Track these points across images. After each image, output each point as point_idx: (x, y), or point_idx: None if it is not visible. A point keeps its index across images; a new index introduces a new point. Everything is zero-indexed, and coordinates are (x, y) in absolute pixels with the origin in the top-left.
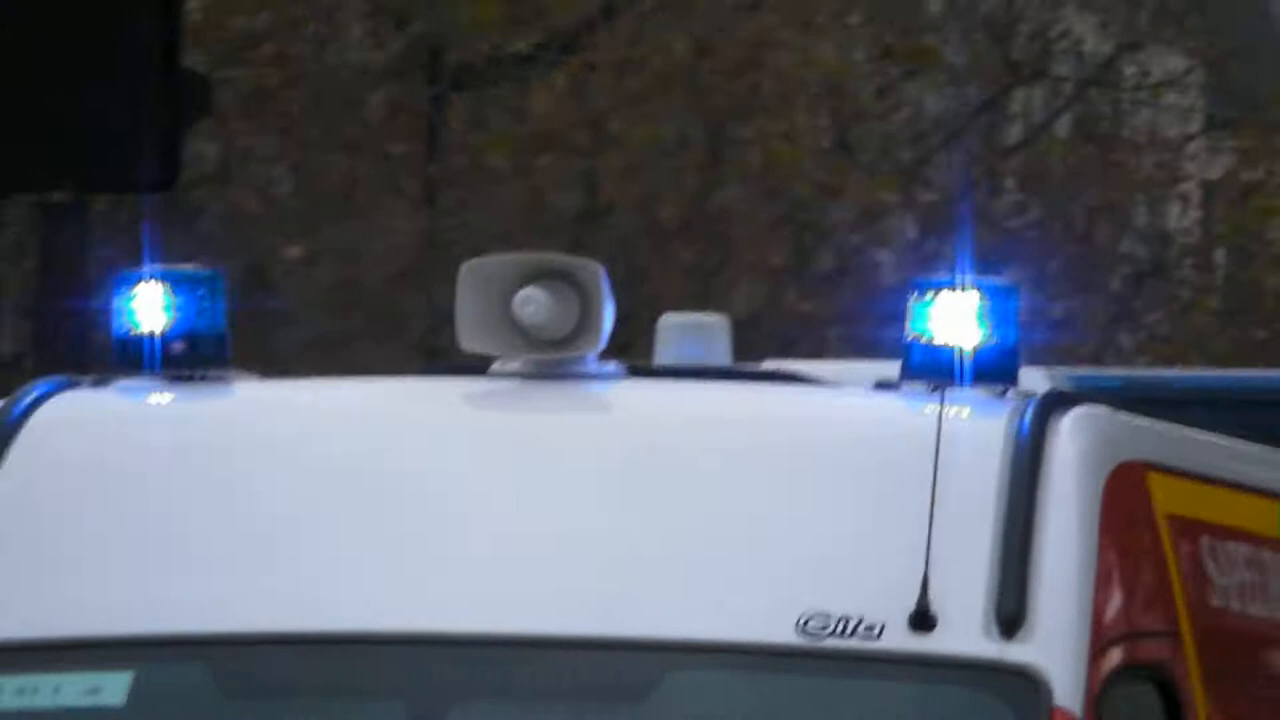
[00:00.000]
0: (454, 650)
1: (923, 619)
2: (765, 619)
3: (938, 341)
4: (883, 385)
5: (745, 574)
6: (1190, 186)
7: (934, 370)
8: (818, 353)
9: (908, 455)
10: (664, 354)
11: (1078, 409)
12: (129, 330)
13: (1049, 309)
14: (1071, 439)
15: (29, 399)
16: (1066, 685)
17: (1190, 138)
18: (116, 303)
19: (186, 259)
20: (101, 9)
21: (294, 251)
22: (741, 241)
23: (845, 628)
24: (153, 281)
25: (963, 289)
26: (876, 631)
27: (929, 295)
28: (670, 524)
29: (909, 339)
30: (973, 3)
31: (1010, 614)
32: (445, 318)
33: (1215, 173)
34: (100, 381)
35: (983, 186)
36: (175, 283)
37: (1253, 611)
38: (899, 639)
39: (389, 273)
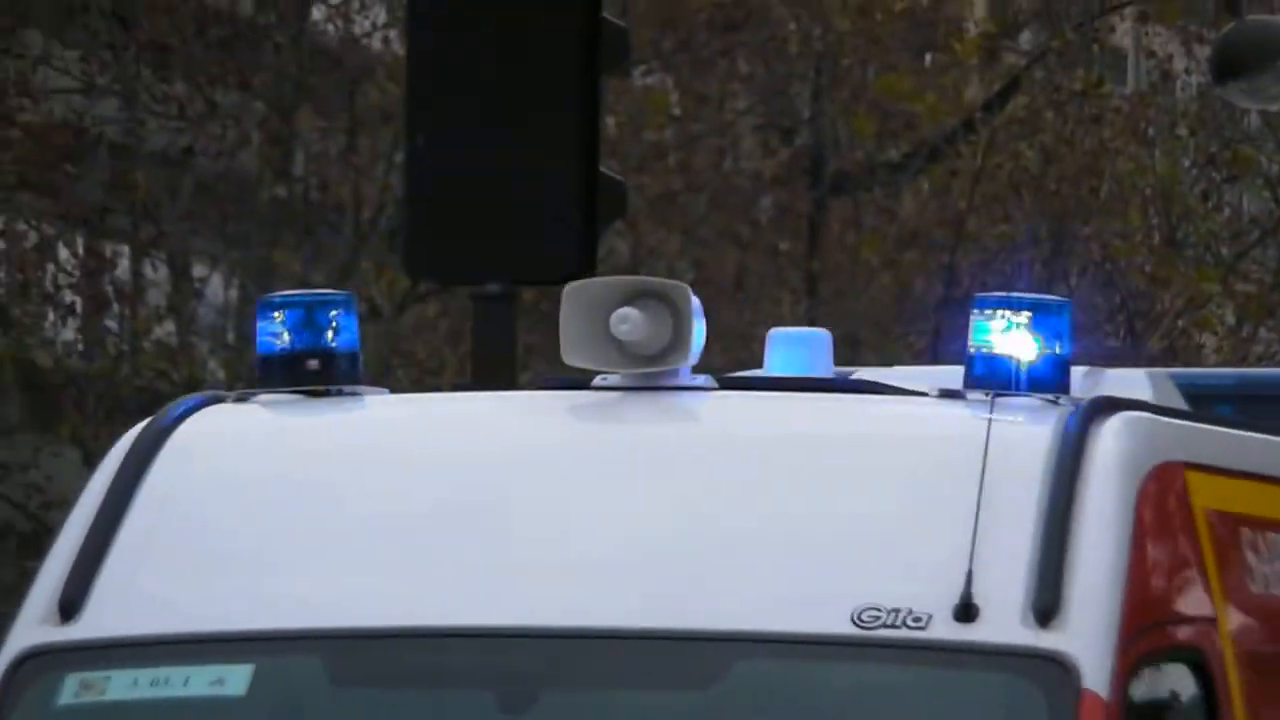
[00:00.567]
0: (541, 643)
1: (966, 611)
2: (823, 612)
3: (997, 353)
4: (947, 393)
5: (805, 571)
6: None
7: (991, 380)
8: None
9: (959, 458)
10: (770, 365)
11: (1120, 414)
12: (269, 349)
13: None
14: (1111, 442)
15: (178, 412)
16: (1095, 671)
17: None
18: (259, 324)
19: None
20: (533, 125)
21: None
22: (1081, 327)
23: (896, 619)
24: (289, 305)
25: (1019, 307)
26: (924, 622)
27: (990, 312)
28: (740, 526)
29: (971, 351)
30: None
31: (1045, 605)
32: None
33: None
34: (242, 397)
35: None
36: (310, 305)
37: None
38: (944, 629)
39: None
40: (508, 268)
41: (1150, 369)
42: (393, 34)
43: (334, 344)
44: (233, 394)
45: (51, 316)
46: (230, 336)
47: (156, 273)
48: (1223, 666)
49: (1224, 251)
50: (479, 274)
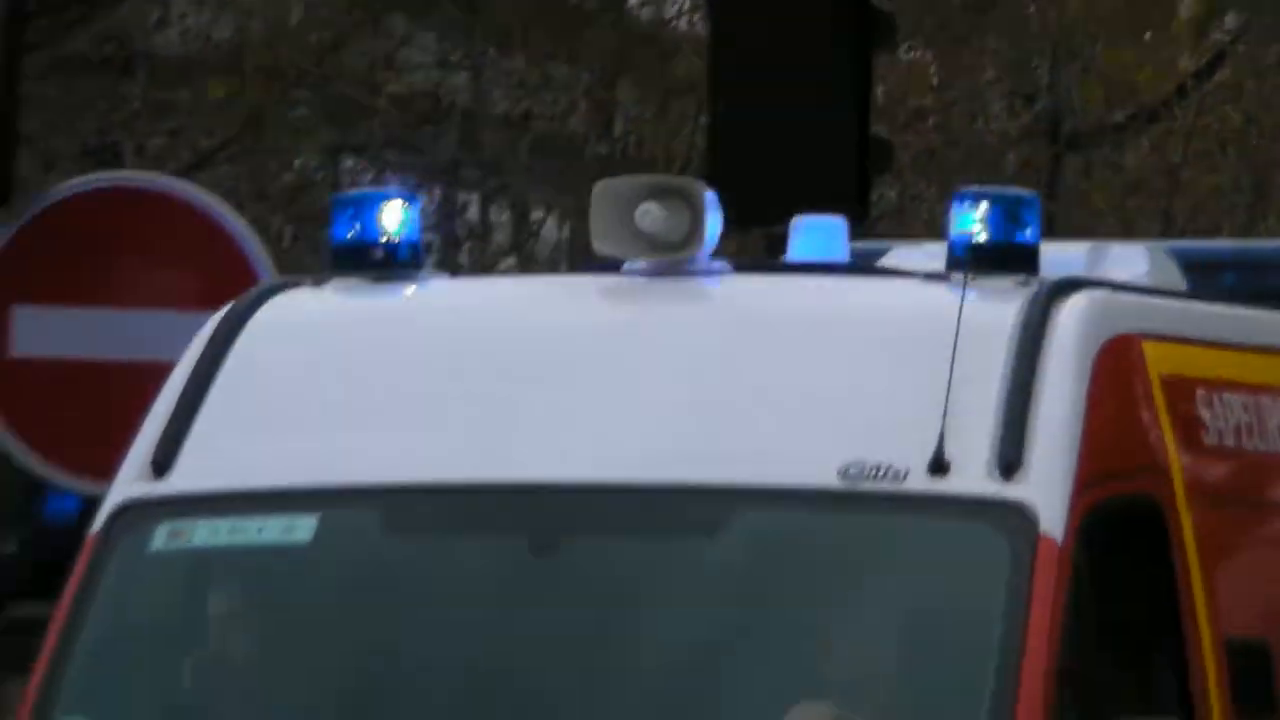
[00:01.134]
0: (566, 496)
1: (939, 465)
2: (813, 467)
3: (973, 240)
4: (931, 275)
5: (798, 432)
6: None
7: (969, 263)
8: None
9: (935, 332)
10: (792, 250)
11: (1080, 293)
12: (341, 239)
13: None
14: (1070, 318)
15: (259, 293)
16: (1052, 517)
17: None
18: (334, 218)
19: None
20: (814, 93)
21: None
22: None
23: (877, 473)
24: (359, 201)
25: (992, 198)
26: (902, 476)
27: (968, 204)
28: (740, 393)
29: (952, 236)
30: None
31: (1008, 460)
32: None
33: None
34: (319, 281)
35: None
36: (375, 200)
37: (1248, 446)
38: (920, 482)
39: None
40: (795, 211)
41: (1151, 242)
42: (697, 16)
43: (397, 235)
44: (308, 279)
45: None
46: (563, 268)
47: (501, 217)
48: (1176, 512)
49: None
50: (770, 216)
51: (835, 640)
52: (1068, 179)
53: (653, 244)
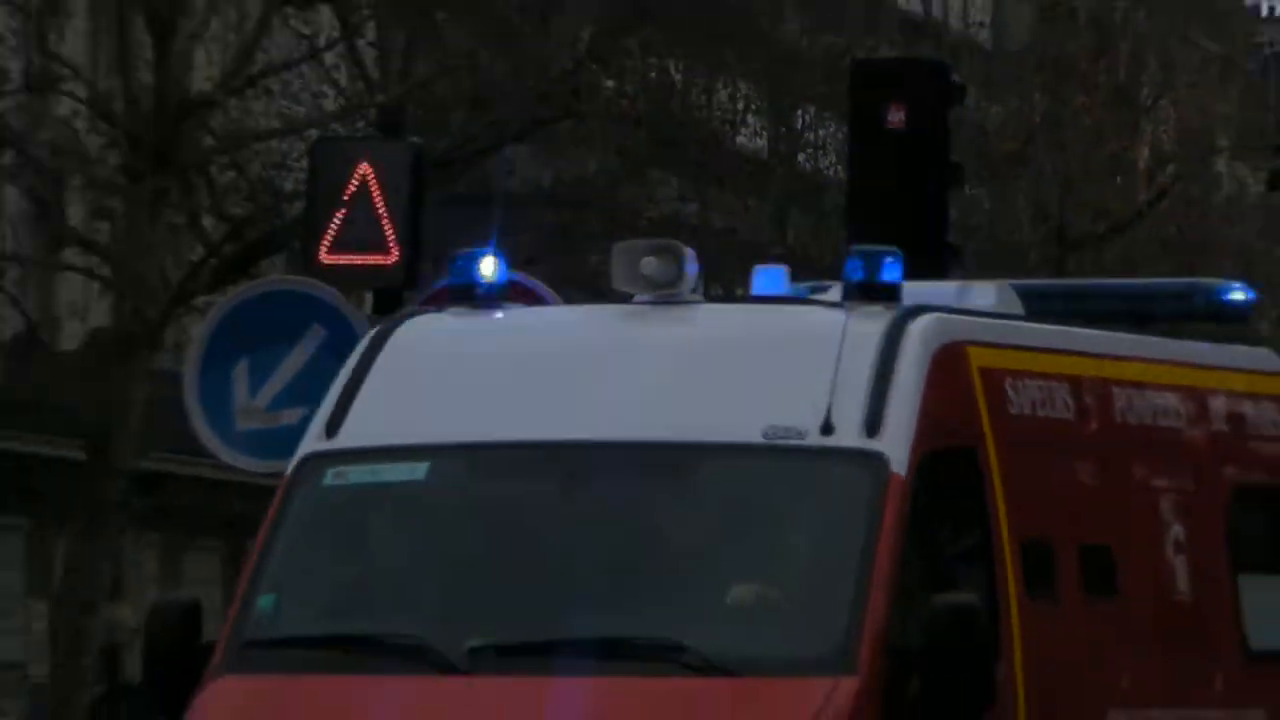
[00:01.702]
0: (588, 447)
1: (827, 428)
2: (747, 430)
3: (854, 280)
4: (829, 305)
5: (737, 407)
6: None
7: (853, 296)
8: None
9: (827, 342)
10: (753, 289)
11: (922, 316)
12: (455, 281)
13: None
14: (914, 331)
15: (401, 317)
16: (898, 460)
17: None
18: (450, 268)
19: None
20: (916, 214)
21: None
22: None
23: (787, 434)
24: (464, 258)
25: (865, 253)
26: (803, 435)
27: (855, 258)
28: (704, 382)
29: (844, 279)
30: None
31: (871, 425)
32: None
33: None
34: (439, 310)
35: None
36: (475, 255)
37: (1044, 414)
38: (815, 439)
39: None
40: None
41: (999, 282)
42: (840, 166)
43: (490, 279)
44: (434, 308)
45: None
46: None
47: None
48: (986, 455)
49: None
50: None
51: (761, 533)
52: (1069, 270)
53: (651, 284)
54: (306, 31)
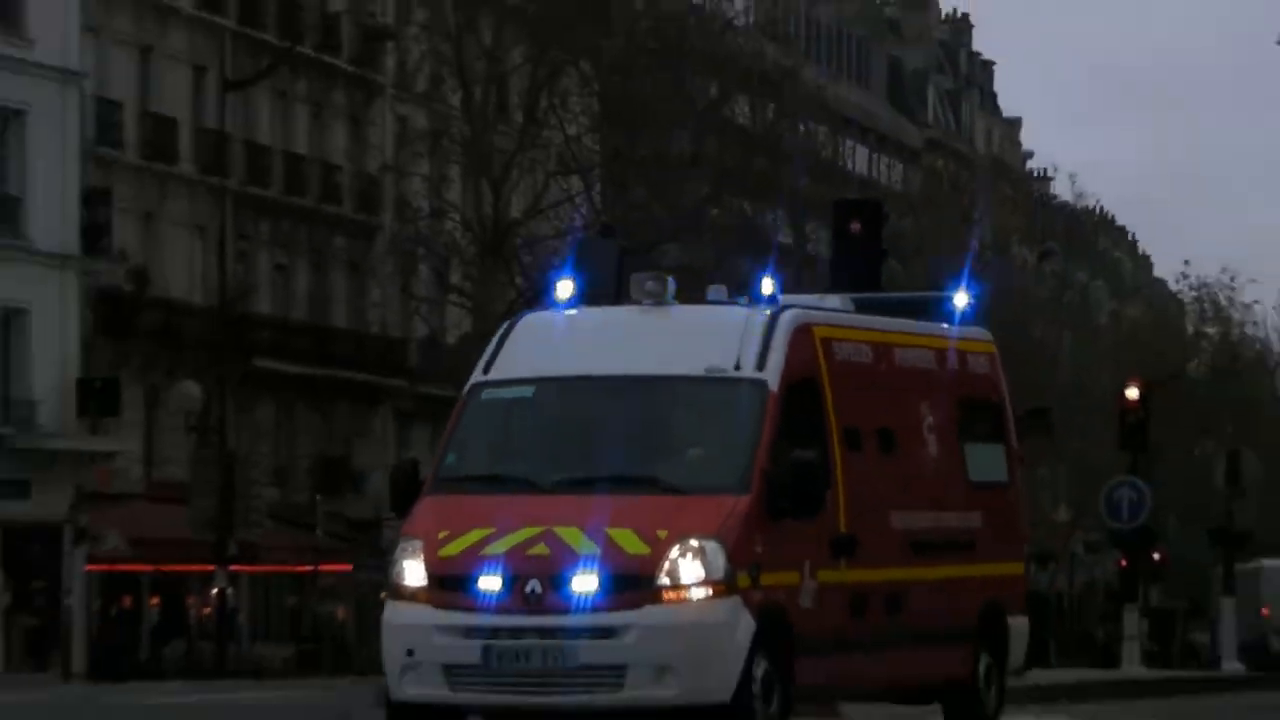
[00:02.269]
0: (616, 378)
1: (738, 367)
2: (698, 366)
3: (763, 294)
4: (745, 305)
5: (692, 358)
6: None
7: (755, 302)
8: None
9: (738, 325)
10: (707, 298)
11: (789, 309)
12: (554, 297)
13: None
14: (783, 319)
15: (525, 313)
16: (774, 384)
17: None
18: (548, 283)
19: None
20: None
21: None
22: None
23: (716, 370)
24: (553, 279)
25: (767, 277)
26: (726, 371)
27: (764, 278)
28: (674, 345)
29: (757, 291)
30: None
31: (759, 365)
32: None
33: None
34: (549, 308)
35: None
36: (557, 278)
37: (855, 360)
38: (731, 373)
39: None
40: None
41: (843, 295)
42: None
43: (568, 294)
44: (545, 308)
45: None
46: None
47: None
48: (823, 384)
49: None
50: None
51: (703, 421)
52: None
53: (649, 295)
54: (565, 186)
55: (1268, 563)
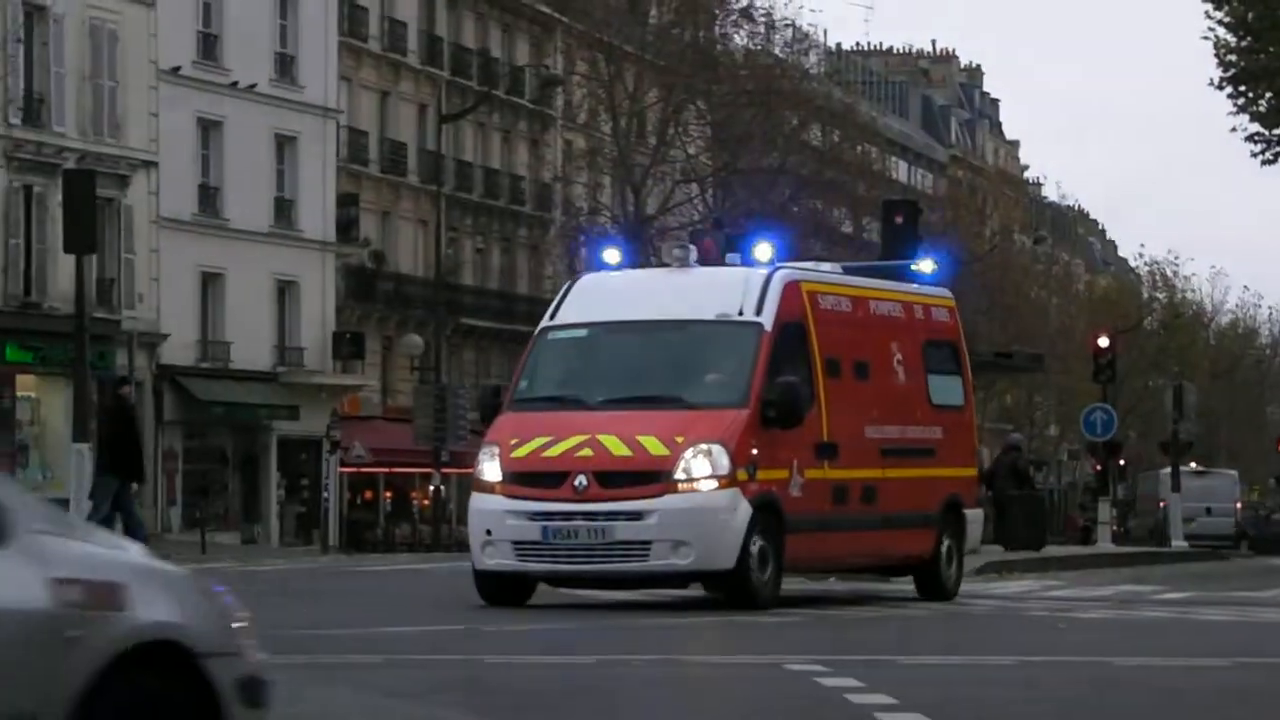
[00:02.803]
0: (652, 322)
1: (740, 313)
2: (710, 312)
3: (760, 260)
4: (750, 268)
5: (707, 305)
6: None
7: (756, 265)
8: None
9: (741, 282)
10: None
11: (782, 269)
12: (601, 262)
13: None
14: (777, 275)
15: (580, 274)
16: (768, 325)
17: None
18: (596, 258)
19: None
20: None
21: None
22: None
23: (725, 315)
24: (603, 249)
25: (765, 245)
26: (732, 315)
27: (761, 243)
28: (695, 295)
29: (754, 259)
30: None
31: (757, 311)
32: None
33: None
34: (609, 270)
35: None
36: (604, 250)
37: (836, 309)
38: (735, 317)
39: None
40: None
41: (834, 264)
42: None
43: (617, 261)
44: (604, 272)
45: None
46: None
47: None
48: (810, 326)
49: None
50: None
51: (715, 354)
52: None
53: (677, 260)
54: (687, 191)
55: (1163, 471)
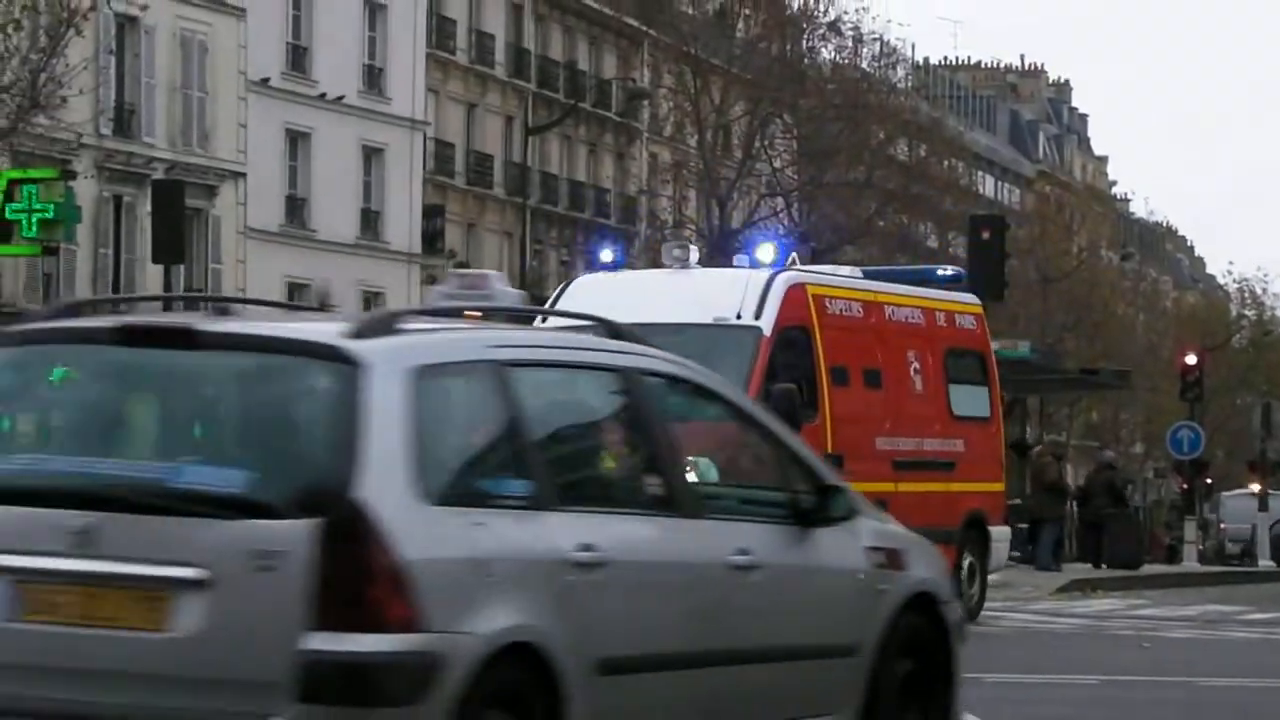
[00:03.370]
0: (644, 325)
1: (739, 316)
2: (707, 316)
3: (763, 261)
4: (749, 269)
5: (704, 308)
6: None
7: (754, 266)
8: None
9: (742, 284)
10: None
11: (785, 273)
12: (598, 263)
13: None
14: (781, 277)
15: (577, 277)
16: (766, 330)
17: None
18: (595, 258)
19: None
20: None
21: None
22: None
23: (722, 319)
24: (602, 250)
25: (768, 246)
26: (729, 320)
27: (764, 245)
28: (693, 298)
29: (754, 258)
30: None
31: (756, 315)
32: None
33: None
34: (609, 272)
35: None
36: (601, 249)
37: (846, 314)
38: (733, 321)
39: None
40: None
41: (853, 268)
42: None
43: (613, 261)
44: (604, 273)
45: None
46: None
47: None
48: (814, 331)
49: None
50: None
51: (707, 362)
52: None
53: (676, 260)
54: (772, 205)
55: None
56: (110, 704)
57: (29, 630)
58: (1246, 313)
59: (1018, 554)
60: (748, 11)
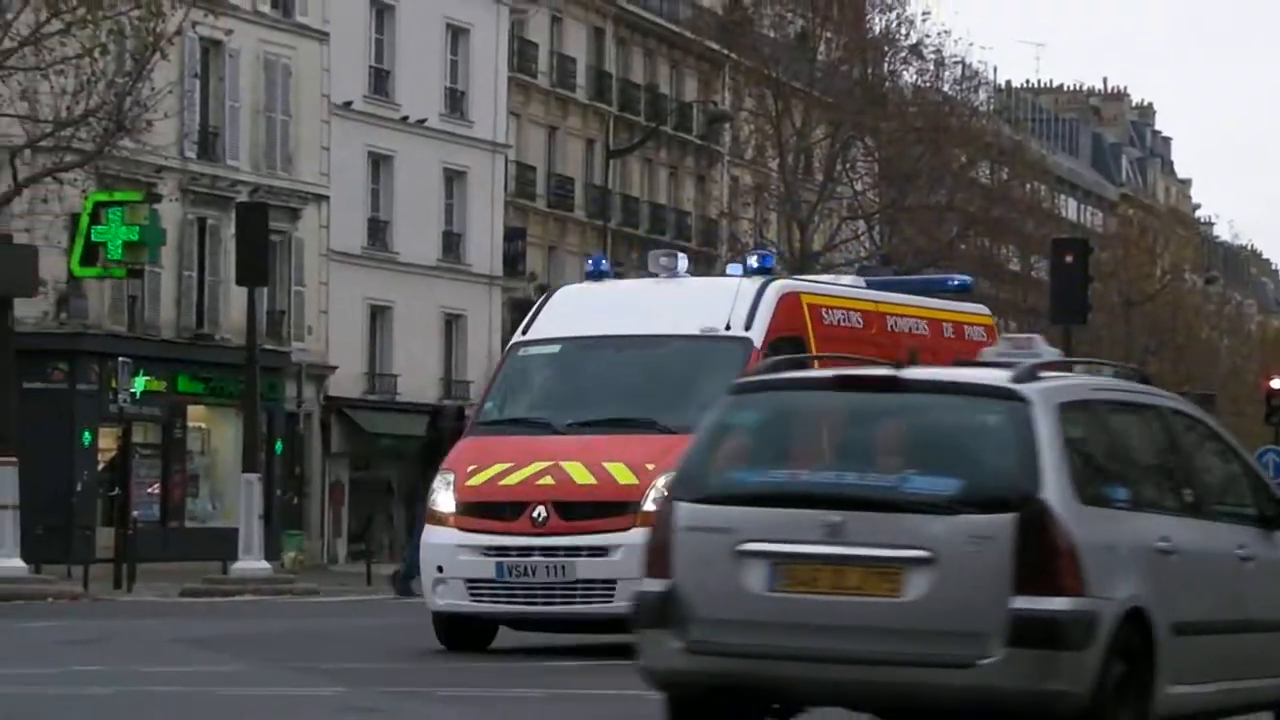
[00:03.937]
0: (629, 336)
1: (728, 328)
2: (694, 327)
3: (752, 266)
4: (742, 276)
5: (691, 320)
6: None
7: (749, 274)
8: None
9: (732, 292)
10: (725, 272)
11: (778, 280)
12: (590, 273)
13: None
14: (773, 286)
15: (556, 287)
16: (757, 342)
17: None
18: (589, 270)
19: None
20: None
21: None
22: None
23: (710, 329)
24: (594, 263)
25: (758, 259)
26: (718, 330)
27: (754, 254)
28: (678, 309)
29: (749, 262)
30: None
31: (746, 326)
32: None
33: None
34: (593, 280)
35: None
36: (595, 261)
37: (843, 324)
38: (723, 332)
39: None
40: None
41: (854, 276)
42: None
43: (599, 271)
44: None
45: None
46: None
47: None
48: (809, 340)
49: None
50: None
51: (697, 372)
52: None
53: (663, 269)
54: (853, 228)
55: None
56: (858, 650)
57: (787, 598)
58: None
59: None
60: (829, 35)
